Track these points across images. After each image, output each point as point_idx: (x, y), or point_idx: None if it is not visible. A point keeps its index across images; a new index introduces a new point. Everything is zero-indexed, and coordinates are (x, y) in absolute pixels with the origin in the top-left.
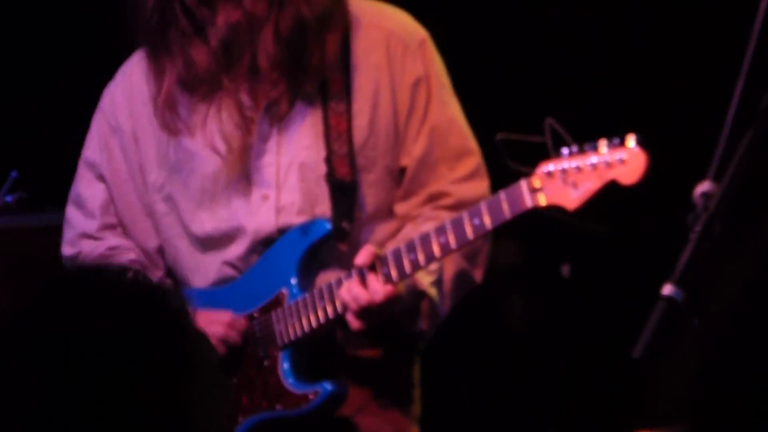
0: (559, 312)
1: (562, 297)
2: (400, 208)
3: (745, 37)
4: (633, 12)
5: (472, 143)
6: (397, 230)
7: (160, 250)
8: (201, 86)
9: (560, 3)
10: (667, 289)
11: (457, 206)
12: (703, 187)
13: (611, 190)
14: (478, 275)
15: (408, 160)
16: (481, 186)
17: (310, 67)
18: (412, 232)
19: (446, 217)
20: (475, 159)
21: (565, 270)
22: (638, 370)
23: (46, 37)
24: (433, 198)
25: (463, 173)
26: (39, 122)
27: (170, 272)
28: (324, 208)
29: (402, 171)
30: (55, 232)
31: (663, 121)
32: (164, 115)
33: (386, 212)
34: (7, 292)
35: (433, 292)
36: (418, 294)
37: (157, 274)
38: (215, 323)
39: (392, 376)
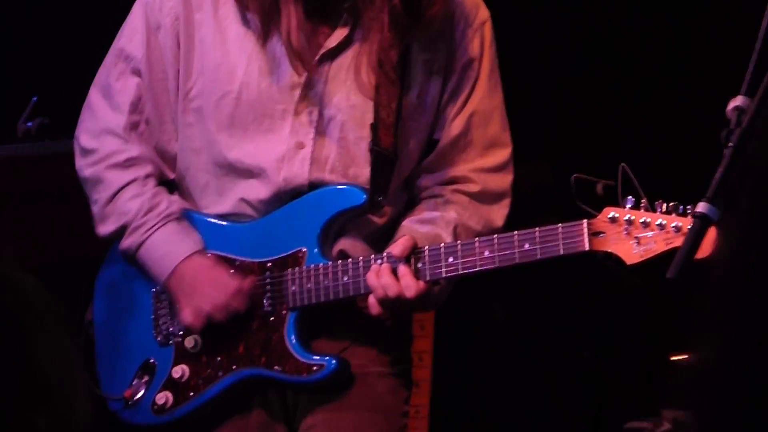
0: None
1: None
2: (421, 179)
3: None
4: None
5: (507, 135)
6: (408, 199)
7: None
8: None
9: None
10: (702, 207)
11: (479, 195)
12: (736, 101)
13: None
14: None
15: (441, 137)
16: (506, 179)
17: (426, 20)
18: (433, 213)
19: (467, 203)
20: (506, 151)
21: (600, 188)
22: (673, 294)
23: None
24: (456, 180)
25: (493, 163)
26: (60, 46)
27: (175, 185)
28: (357, 171)
29: (433, 142)
30: None
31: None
32: (302, 56)
33: (407, 181)
34: (27, 219)
35: (443, 282)
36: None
37: (169, 176)
38: (222, 288)
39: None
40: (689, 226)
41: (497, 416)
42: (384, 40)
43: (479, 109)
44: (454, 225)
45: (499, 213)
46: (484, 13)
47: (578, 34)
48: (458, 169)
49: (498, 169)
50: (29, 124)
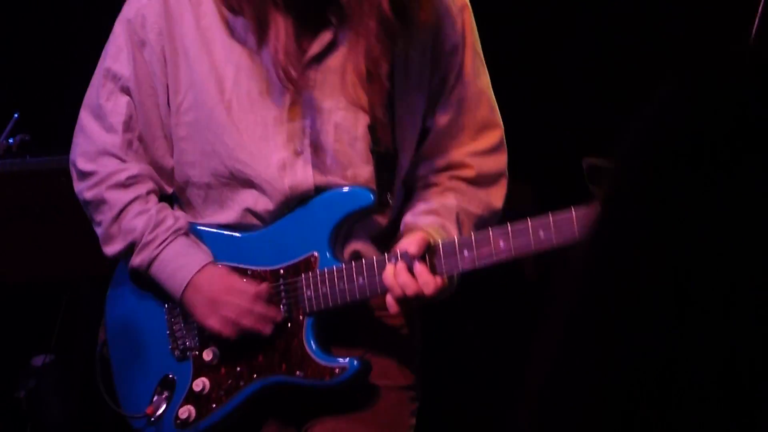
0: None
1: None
2: (415, 169)
3: None
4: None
5: (496, 116)
6: (406, 192)
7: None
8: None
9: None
10: None
11: (476, 179)
12: None
13: None
14: None
15: (431, 125)
16: (501, 160)
17: (416, 25)
18: (434, 202)
19: (464, 188)
20: (498, 132)
21: None
22: None
23: None
24: (451, 166)
25: (486, 146)
26: (41, 63)
27: (175, 198)
28: (355, 171)
29: (423, 130)
30: (58, 176)
31: None
32: (289, 71)
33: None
34: (7, 236)
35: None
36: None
37: (167, 190)
38: (240, 294)
39: (394, 316)
40: None
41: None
42: (372, 47)
43: (467, 94)
44: (455, 212)
45: (497, 194)
46: None
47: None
48: (452, 155)
49: (492, 150)
50: (11, 140)
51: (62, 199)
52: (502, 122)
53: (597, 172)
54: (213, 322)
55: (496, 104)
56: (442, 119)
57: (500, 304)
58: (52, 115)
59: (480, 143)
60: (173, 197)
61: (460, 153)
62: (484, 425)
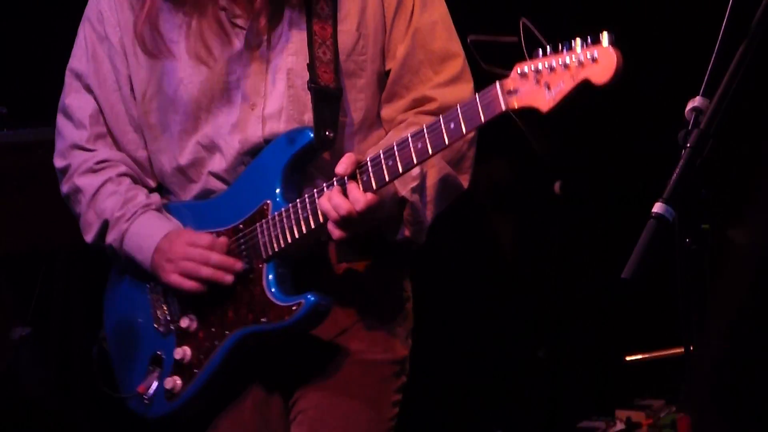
0: (552, 229)
1: (554, 214)
2: (384, 112)
3: None
4: None
5: (456, 46)
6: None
7: (150, 160)
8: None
9: None
10: (658, 208)
11: (441, 111)
12: (695, 102)
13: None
14: (464, 181)
15: (392, 63)
16: (465, 89)
17: None
18: (393, 137)
19: (428, 122)
20: (458, 61)
21: (557, 187)
22: (628, 291)
23: None
24: (416, 103)
25: (447, 77)
26: (17, 37)
27: (163, 189)
28: (311, 115)
29: (387, 74)
30: (35, 148)
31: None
32: (143, 37)
33: (375, 118)
34: None
35: (414, 198)
36: (400, 201)
37: (149, 184)
38: (194, 246)
39: (383, 290)
40: (589, 55)
41: (453, 415)
42: None
43: (420, 26)
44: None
45: None
46: None
47: None
48: (416, 91)
49: (453, 80)
50: None
51: (39, 171)
52: (462, 52)
53: (483, 47)
54: (174, 278)
55: (454, 34)
56: (399, 54)
57: (481, 287)
58: (29, 88)
59: (441, 75)
60: (163, 191)
61: (423, 88)
62: (469, 405)
